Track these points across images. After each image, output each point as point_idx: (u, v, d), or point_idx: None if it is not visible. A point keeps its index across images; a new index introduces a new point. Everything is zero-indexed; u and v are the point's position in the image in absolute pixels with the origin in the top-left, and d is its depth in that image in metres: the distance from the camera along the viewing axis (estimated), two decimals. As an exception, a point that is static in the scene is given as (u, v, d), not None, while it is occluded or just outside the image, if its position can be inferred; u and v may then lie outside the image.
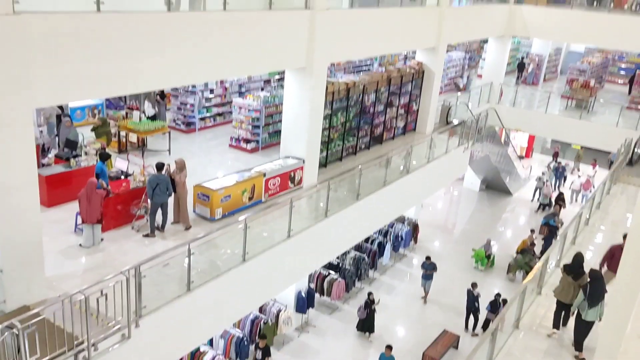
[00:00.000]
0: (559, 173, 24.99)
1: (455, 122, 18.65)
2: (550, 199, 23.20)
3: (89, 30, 7.55)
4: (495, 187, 25.10)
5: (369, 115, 15.90)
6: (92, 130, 13.39)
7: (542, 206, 23.38)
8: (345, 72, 21.93)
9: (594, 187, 22.70)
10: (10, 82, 6.63)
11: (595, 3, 23.09)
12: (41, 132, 12.99)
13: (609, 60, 29.92)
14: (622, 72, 29.30)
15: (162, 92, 15.61)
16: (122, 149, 13.86)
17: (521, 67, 27.31)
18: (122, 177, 10.94)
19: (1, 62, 6.48)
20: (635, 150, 15.45)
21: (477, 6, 20.73)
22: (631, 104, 22.31)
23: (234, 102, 15.64)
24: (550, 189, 23.70)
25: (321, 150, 13.75)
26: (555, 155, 27.01)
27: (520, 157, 28.53)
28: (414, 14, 16.06)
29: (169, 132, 14.51)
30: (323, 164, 14.24)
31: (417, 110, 18.06)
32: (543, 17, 21.58)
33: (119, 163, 11.90)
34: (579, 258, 8.98)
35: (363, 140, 16.03)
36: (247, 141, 15.06)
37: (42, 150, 12.00)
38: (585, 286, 8.54)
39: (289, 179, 12.37)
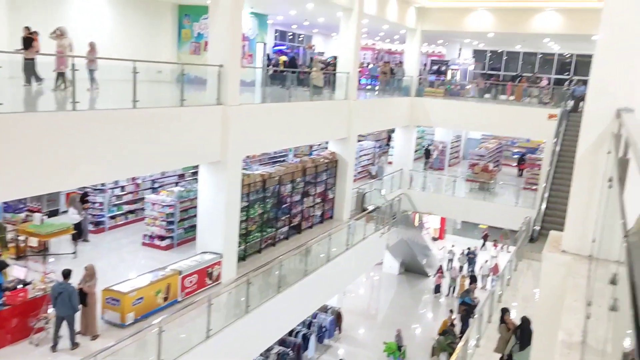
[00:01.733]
0: (470, 259, 25.91)
1: (371, 208, 19.19)
2: (455, 281, 23.95)
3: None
4: (413, 269, 25.63)
5: (286, 206, 15.98)
6: None
7: (452, 288, 24.03)
8: (261, 163, 22.19)
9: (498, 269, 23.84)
10: None
11: (485, 95, 25.46)
12: None
13: (502, 145, 32.65)
14: (515, 156, 31.92)
15: (85, 195, 14.89)
16: (21, 255, 12.79)
17: (427, 153, 29.04)
18: (20, 286, 10.00)
19: None
20: (534, 227, 16.52)
21: (382, 99, 22.16)
22: (527, 185, 24.18)
23: (146, 198, 15.17)
24: (457, 272, 24.58)
25: (239, 243, 13.49)
26: (485, 238, 28.50)
27: (434, 239, 29.61)
28: (324, 107, 16.85)
29: (74, 234, 13.66)
30: (242, 257, 13.92)
31: (334, 198, 18.44)
32: (441, 108, 23.48)
33: (16, 271, 10.90)
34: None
35: (281, 231, 15.97)
36: (162, 238, 14.48)
37: None
38: (516, 331, 9.83)
39: (206, 276, 11.91)
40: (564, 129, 20.16)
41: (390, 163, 27.25)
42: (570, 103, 22.23)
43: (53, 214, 15.58)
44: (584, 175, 4.08)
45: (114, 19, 19.86)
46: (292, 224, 16.44)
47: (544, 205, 17.13)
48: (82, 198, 14.83)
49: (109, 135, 9.07)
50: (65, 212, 15.95)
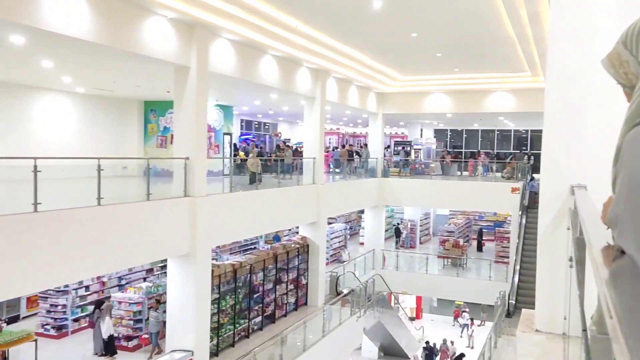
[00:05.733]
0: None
1: (345, 291, 18.88)
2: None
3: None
4: (392, 352, 24.78)
5: (258, 295, 15.59)
6: None
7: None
8: (231, 252, 21.85)
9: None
10: None
11: (448, 172, 26.18)
12: None
13: (470, 220, 33.15)
14: (485, 230, 32.34)
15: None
16: (-23, 367, 11.94)
17: (397, 232, 29.18)
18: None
19: None
20: (510, 301, 16.46)
21: (349, 181, 22.52)
22: (498, 258, 24.35)
23: (112, 297, 14.60)
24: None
25: (211, 338, 12.95)
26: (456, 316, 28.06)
27: (412, 319, 29.04)
28: (292, 192, 16.97)
29: (36, 341, 12.90)
30: (214, 353, 13.32)
31: (307, 284, 18.12)
32: (407, 187, 23.95)
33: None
34: None
35: (255, 321, 15.47)
36: (129, 338, 13.81)
37: None
38: None
39: (176, 377, 11.28)
40: (527, 200, 20.70)
41: (362, 244, 27.22)
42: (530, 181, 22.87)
43: (13, 320, 14.80)
44: (546, 253, 4.13)
45: (80, 116, 20.06)
46: (265, 314, 15.97)
47: (516, 278, 17.18)
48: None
49: (72, 234, 8.86)
50: (27, 317, 15.20)
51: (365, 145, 28.28)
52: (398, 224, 30.35)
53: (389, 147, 32.59)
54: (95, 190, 9.54)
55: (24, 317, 15.35)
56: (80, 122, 19.96)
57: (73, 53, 12.08)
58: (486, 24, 13.79)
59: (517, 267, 17.70)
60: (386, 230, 27.05)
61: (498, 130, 38.22)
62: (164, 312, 13.52)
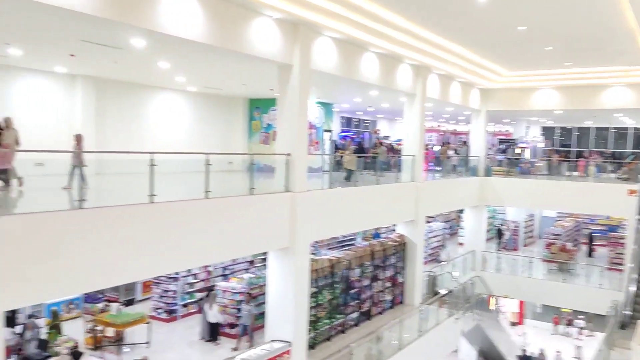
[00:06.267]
0: None
1: (443, 292, 18.44)
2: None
3: (68, 229, 7.65)
4: (491, 358, 23.90)
5: (355, 291, 15.68)
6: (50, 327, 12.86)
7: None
8: (329, 247, 22.15)
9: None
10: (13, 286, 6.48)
11: (555, 171, 24.61)
12: (14, 332, 12.33)
13: (580, 223, 30.97)
14: (596, 235, 30.11)
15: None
16: (98, 345, 13.13)
17: (499, 233, 28.00)
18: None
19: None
20: (624, 312, 15.17)
21: (449, 180, 21.93)
22: (611, 265, 22.56)
23: (217, 286, 15.39)
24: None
25: (308, 331, 13.22)
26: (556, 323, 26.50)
27: (513, 324, 27.73)
28: (391, 190, 16.82)
29: (149, 323, 13.93)
30: (311, 346, 13.58)
31: (403, 282, 17.93)
32: (511, 187, 22.86)
33: (92, 360, 11.18)
34: None
35: (351, 317, 15.56)
36: (232, 326, 14.48)
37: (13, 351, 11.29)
38: None
39: (275, 366, 11.65)
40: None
41: (461, 244, 26.44)
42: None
43: (129, 303, 16.08)
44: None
45: (191, 113, 21.37)
46: (361, 310, 16.02)
47: (632, 288, 15.81)
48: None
49: (182, 225, 9.43)
50: (142, 300, 16.44)
51: (465, 143, 27.38)
52: (500, 224, 29.13)
53: (492, 145, 31.36)
54: (203, 184, 10.08)
55: (139, 301, 16.63)
56: (191, 119, 21.27)
57: (187, 54, 12.87)
58: (603, 14, 12.79)
59: (634, 276, 16.27)
60: (487, 231, 26.03)
61: (614, 128, 35.33)
62: (256, 305, 14.05)
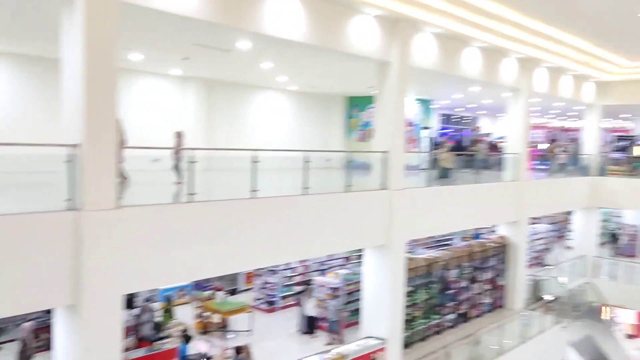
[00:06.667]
0: None
1: (548, 298, 17.46)
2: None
3: (178, 220, 8.23)
4: (604, 371, 22.24)
5: (452, 292, 15.33)
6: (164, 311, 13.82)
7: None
8: (425, 247, 21.79)
9: None
10: (104, 273, 7.15)
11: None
12: (132, 314, 13.46)
13: None
14: None
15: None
16: (205, 330, 13.99)
17: (614, 238, 25.95)
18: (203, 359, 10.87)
19: (100, 253, 7.08)
20: None
21: (557, 179, 20.68)
22: None
23: (314, 280, 15.74)
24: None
25: (403, 330, 13.13)
26: None
27: (629, 337, 25.56)
28: (492, 189, 16.21)
29: (251, 312, 14.59)
30: (406, 344, 13.47)
31: (504, 285, 17.22)
32: (629, 188, 21.03)
33: (200, 345, 11.92)
34: None
35: (448, 318, 15.24)
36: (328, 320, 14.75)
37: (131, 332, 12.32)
38: None
39: (370, 362, 11.72)
40: None
41: (569, 248, 24.86)
42: None
43: (233, 292, 16.92)
44: None
45: (291, 112, 22.02)
46: (459, 312, 15.62)
47: None
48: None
49: (281, 220, 9.76)
50: (244, 290, 17.22)
51: (574, 140, 25.64)
52: (616, 228, 26.97)
53: (607, 142, 29.08)
54: (302, 180, 10.36)
55: (241, 291, 17.46)
56: (291, 117, 21.93)
57: (289, 54, 13.29)
58: None
59: None
60: (600, 235, 24.20)
61: None
62: (351, 302, 14.17)
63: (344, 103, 23.70)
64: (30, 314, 11.09)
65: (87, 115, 6.99)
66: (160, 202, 8.46)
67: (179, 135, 11.91)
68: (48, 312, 10.42)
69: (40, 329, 11.70)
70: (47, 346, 10.67)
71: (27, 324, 10.42)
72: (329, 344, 13.58)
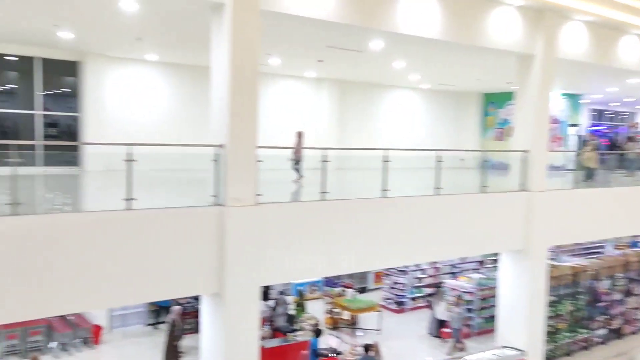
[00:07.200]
0: None
1: None
2: None
3: (312, 217, 8.46)
4: None
5: (603, 305, 13.96)
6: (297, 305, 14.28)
7: None
8: (571, 254, 20.08)
9: None
10: (244, 265, 7.59)
11: None
12: (267, 306, 14.16)
13: None
14: None
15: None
16: (335, 326, 14.27)
17: None
18: (332, 354, 11.10)
19: (241, 246, 7.53)
20: None
21: None
22: None
23: (445, 283, 15.30)
24: None
25: (545, 342, 12.24)
26: None
27: None
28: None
29: (380, 312, 14.59)
30: (548, 358, 12.55)
31: (666, 302, 15.27)
32: None
33: (330, 340, 12.19)
34: None
35: (597, 333, 13.92)
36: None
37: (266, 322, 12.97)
38: None
39: (507, 373, 11.09)
40: None
41: None
42: None
43: (362, 291, 17.07)
44: None
45: (424, 110, 21.67)
46: (610, 327, 14.19)
47: None
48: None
49: (412, 220, 9.62)
50: (373, 289, 17.30)
51: None
52: None
53: None
54: (434, 181, 10.11)
55: (371, 290, 17.54)
56: (423, 116, 21.56)
57: (423, 52, 13.06)
58: None
59: None
60: None
61: None
62: (469, 310, 13.68)
63: (479, 100, 22.74)
64: (181, 298, 12.16)
65: (230, 117, 7.48)
66: (296, 199, 8.79)
67: (299, 135, 12.16)
68: (195, 298, 11.39)
69: (188, 313, 12.81)
70: (194, 329, 11.66)
71: (176, 307, 11.43)
72: (460, 349, 13.12)
